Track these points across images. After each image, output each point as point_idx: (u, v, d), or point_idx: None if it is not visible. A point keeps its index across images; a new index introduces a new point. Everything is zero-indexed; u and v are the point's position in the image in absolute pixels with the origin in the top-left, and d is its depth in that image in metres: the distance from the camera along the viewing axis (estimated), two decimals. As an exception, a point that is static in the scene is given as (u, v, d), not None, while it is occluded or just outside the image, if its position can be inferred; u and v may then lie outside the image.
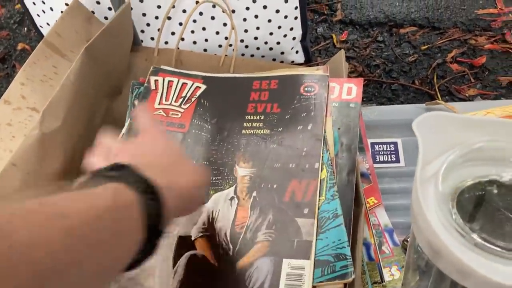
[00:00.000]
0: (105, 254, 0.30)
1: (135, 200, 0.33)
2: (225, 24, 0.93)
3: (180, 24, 0.89)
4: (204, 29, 0.92)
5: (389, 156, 0.69)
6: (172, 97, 0.67)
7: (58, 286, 0.26)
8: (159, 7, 0.87)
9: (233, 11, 0.91)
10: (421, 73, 1.15)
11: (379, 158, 0.69)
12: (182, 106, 0.66)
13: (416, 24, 1.29)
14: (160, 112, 0.65)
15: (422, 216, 0.33)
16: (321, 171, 0.56)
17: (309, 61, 1.17)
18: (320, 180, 0.55)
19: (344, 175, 0.57)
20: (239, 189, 0.58)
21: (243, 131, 0.62)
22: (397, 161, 0.69)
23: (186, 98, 0.67)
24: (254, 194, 0.57)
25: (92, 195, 0.31)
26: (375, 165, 0.68)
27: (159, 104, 0.66)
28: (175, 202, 0.38)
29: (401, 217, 0.62)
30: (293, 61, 1.12)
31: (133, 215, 0.32)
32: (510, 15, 1.31)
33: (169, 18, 0.87)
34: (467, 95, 1.06)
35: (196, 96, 0.67)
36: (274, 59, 1.10)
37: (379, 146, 0.71)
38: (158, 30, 0.84)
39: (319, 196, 0.54)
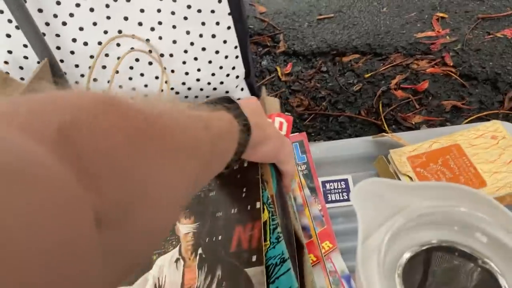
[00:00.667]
0: (219, 162, 0.41)
1: (238, 131, 0.42)
2: (164, 68, 0.90)
3: (117, 72, 0.86)
4: (142, 75, 0.89)
5: (340, 194, 0.67)
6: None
7: (206, 176, 0.39)
8: (91, 57, 0.83)
9: (171, 55, 0.88)
10: (366, 102, 1.16)
11: (330, 197, 0.67)
12: None
13: (358, 51, 1.31)
14: None
15: None
16: (263, 212, 0.53)
17: (255, 97, 1.16)
18: (263, 222, 0.52)
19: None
20: (183, 248, 0.54)
21: None
22: (349, 199, 0.66)
23: None
24: (200, 251, 0.53)
25: (218, 118, 0.40)
26: (327, 205, 0.66)
27: None
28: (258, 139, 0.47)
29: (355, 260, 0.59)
30: (239, 99, 1.10)
31: (235, 140, 0.42)
32: (447, 37, 1.34)
33: (103, 67, 0.83)
34: (413, 122, 1.07)
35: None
36: (219, 99, 1.08)
37: (330, 184, 0.69)
38: (94, 80, 0.80)
39: (264, 241, 0.51)
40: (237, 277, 0.49)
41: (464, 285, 0.33)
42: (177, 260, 0.53)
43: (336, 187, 0.68)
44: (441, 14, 1.38)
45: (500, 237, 0.33)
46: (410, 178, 0.60)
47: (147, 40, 0.84)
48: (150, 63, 0.88)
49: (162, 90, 0.95)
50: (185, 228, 0.55)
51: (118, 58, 0.84)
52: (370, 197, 0.36)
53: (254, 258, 0.50)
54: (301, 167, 0.68)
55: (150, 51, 0.85)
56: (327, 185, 0.69)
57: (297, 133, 0.72)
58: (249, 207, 0.54)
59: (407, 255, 0.34)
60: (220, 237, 0.53)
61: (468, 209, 0.35)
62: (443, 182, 0.36)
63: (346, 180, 0.69)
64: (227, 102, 0.46)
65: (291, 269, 0.48)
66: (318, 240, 0.60)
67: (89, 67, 0.83)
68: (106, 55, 0.81)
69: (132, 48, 0.83)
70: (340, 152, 0.73)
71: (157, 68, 0.90)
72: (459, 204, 0.35)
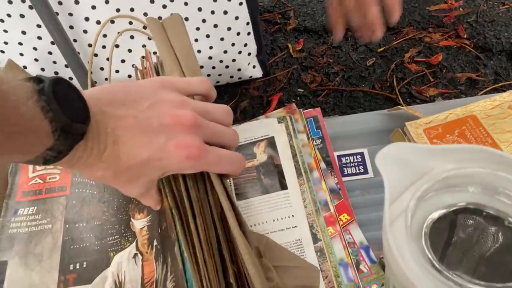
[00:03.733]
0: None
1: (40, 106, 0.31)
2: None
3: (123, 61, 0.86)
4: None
5: (356, 167, 0.67)
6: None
7: None
8: (105, 35, 0.83)
9: (184, 33, 0.88)
10: (380, 76, 1.15)
11: (347, 170, 0.67)
12: (59, 167, 0.61)
13: (370, 26, 1.29)
14: (36, 181, 0.61)
15: (395, 261, 0.31)
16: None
17: (267, 75, 1.15)
18: None
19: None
20: (140, 243, 0.55)
21: None
22: (365, 172, 0.67)
23: None
24: (155, 243, 0.54)
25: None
26: (344, 179, 0.66)
27: (33, 172, 0.61)
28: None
29: (374, 231, 0.59)
30: (251, 76, 1.10)
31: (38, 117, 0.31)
32: (460, 9, 1.32)
33: (117, 46, 0.83)
34: (428, 95, 1.06)
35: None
36: (231, 76, 1.07)
37: (346, 158, 0.69)
38: (107, 59, 0.80)
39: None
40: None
41: (490, 245, 0.34)
42: (135, 255, 0.54)
43: (352, 160, 0.68)
44: (454, -14, 1.36)
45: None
46: (427, 149, 0.60)
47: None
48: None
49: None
50: (140, 223, 0.56)
51: (132, 37, 0.84)
52: (395, 161, 0.36)
53: None
54: (316, 141, 0.68)
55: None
56: (343, 159, 0.68)
57: (311, 108, 0.72)
58: None
59: (433, 217, 0.34)
60: (164, 225, 0.53)
61: (493, 170, 0.35)
62: (468, 145, 0.36)
63: (362, 154, 0.68)
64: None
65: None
66: (335, 212, 0.60)
67: (103, 47, 0.83)
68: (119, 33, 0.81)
69: (144, 27, 0.83)
70: (355, 126, 0.73)
71: (169, 46, 0.89)
72: (484, 165, 0.35)
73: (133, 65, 0.52)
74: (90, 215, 0.58)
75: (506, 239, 0.33)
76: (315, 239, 0.57)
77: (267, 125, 0.69)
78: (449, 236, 0.34)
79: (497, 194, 0.35)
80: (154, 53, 0.55)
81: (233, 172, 0.44)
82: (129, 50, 0.87)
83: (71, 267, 0.55)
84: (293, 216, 0.59)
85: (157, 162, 0.37)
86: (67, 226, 0.58)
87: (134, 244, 0.55)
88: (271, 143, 0.66)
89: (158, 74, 0.51)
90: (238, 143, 0.46)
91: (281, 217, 0.59)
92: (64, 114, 0.32)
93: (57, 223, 0.58)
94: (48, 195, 0.59)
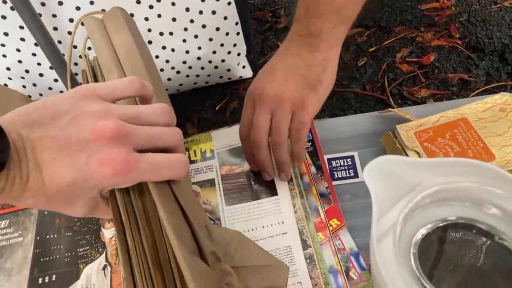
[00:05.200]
0: None
1: None
2: (164, 47, 0.89)
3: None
4: (142, 54, 0.88)
5: (347, 171, 0.66)
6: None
7: None
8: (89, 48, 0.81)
9: (171, 33, 0.87)
10: (371, 77, 1.14)
11: (337, 174, 0.66)
12: None
13: (362, 25, 1.28)
14: None
15: (382, 279, 0.30)
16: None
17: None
18: None
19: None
20: (109, 254, 0.54)
21: None
22: (356, 176, 0.66)
23: None
24: None
25: None
26: (334, 183, 0.65)
27: None
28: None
29: (364, 237, 0.58)
30: (241, 77, 1.08)
31: None
32: (452, 8, 1.32)
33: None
34: (419, 97, 1.06)
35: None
36: (221, 77, 1.06)
37: (336, 161, 0.67)
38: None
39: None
40: None
41: (481, 261, 0.33)
42: (104, 267, 0.53)
43: (342, 164, 0.67)
44: (446, -15, 1.35)
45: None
46: (418, 153, 0.59)
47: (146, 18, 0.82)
48: (150, 42, 0.86)
49: (162, 70, 0.94)
50: (109, 232, 0.55)
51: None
52: (383, 175, 0.35)
53: None
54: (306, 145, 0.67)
55: (150, 30, 0.84)
56: (333, 163, 0.67)
57: (302, 110, 0.71)
58: None
59: (422, 232, 0.33)
60: None
61: (483, 184, 0.34)
62: (457, 158, 0.35)
63: (352, 157, 0.67)
64: None
65: None
66: (325, 218, 0.59)
67: (89, 48, 0.82)
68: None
69: (131, 27, 0.81)
70: (345, 129, 0.72)
71: (157, 47, 0.88)
72: (474, 179, 0.34)
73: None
74: (62, 225, 0.57)
75: (496, 255, 0.32)
76: (304, 245, 0.56)
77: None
78: (438, 253, 0.33)
79: (486, 208, 0.34)
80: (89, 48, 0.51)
81: (175, 176, 0.39)
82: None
83: (40, 280, 0.54)
84: (282, 222, 0.58)
85: (84, 182, 0.34)
86: (37, 238, 0.57)
87: (103, 255, 0.54)
88: (260, 146, 0.65)
89: (95, 76, 0.48)
90: (182, 141, 0.41)
91: (270, 223, 0.58)
92: None
93: (28, 235, 0.57)
94: (20, 207, 0.58)
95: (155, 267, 0.37)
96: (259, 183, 0.62)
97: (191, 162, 0.65)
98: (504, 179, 0.33)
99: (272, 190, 0.61)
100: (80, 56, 0.85)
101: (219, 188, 0.62)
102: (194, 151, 0.66)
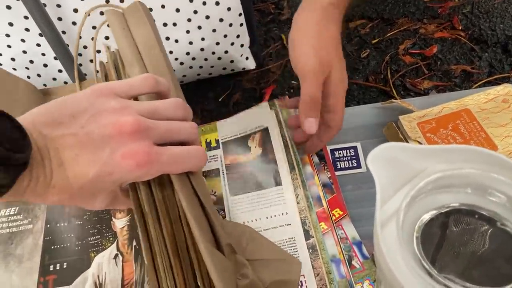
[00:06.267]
0: None
1: None
2: (167, 38, 0.89)
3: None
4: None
5: (349, 162, 0.67)
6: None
7: None
8: (94, 27, 0.81)
9: (175, 24, 0.87)
10: (374, 69, 1.14)
11: (340, 165, 0.67)
12: None
13: (365, 17, 1.28)
14: None
15: (386, 264, 0.31)
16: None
17: (260, 66, 1.14)
18: None
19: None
20: (120, 243, 0.54)
21: None
22: (359, 166, 0.66)
23: None
24: (134, 243, 0.53)
25: None
26: (337, 173, 0.65)
27: None
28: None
29: (367, 226, 0.59)
30: (244, 68, 1.09)
31: None
32: (456, 0, 1.31)
33: (106, 38, 0.82)
34: (422, 88, 1.06)
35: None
36: (224, 68, 1.06)
37: (339, 152, 0.68)
38: (98, 51, 0.79)
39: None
40: None
41: (483, 247, 0.33)
42: (115, 256, 0.54)
43: (345, 154, 0.67)
44: (450, -24, 1.35)
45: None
46: (420, 143, 0.60)
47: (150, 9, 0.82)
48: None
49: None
50: (121, 222, 0.56)
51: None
52: (386, 161, 0.35)
53: None
54: (309, 136, 0.68)
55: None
56: (336, 153, 0.68)
57: (305, 101, 0.71)
58: None
59: (425, 218, 0.34)
60: None
61: (486, 171, 0.34)
62: (460, 145, 0.35)
63: (355, 148, 0.68)
64: None
65: None
66: (328, 208, 0.59)
67: (92, 38, 0.82)
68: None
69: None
70: (348, 120, 0.72)
71: (161, 38, 0.88)
72: (477, 166, 0.34)
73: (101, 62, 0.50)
74: (72, 214, 0.58)
75: (499, 241, 0.33)
76: (307, 235, 0.56)
77: (260, 114, 0.68)
78: (441, 238, 0.34)
79: (489, 194, 0.35)
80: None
81: (194, 168, 0.41)
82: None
83: (51, 268, 0.55)
84: (286, 213, 0.58)
85: (108, 176, 0.35)
86: (48, 225, 0.57)
87: (114, 244, 0.54)
88: (265, 135, 0.66)
89: (117, 70, 0.48)
90: (198, 134, 0.43)
91: (274, 214, 0.59)
92: (1, 147, 0.29)
93: (38, 222, 0.57)
94: None
95: (174, 256, 0.38)
96: (264, 172, 0.62)
97: (196, 152, 0.65)
98: (507, 166, 0.33)
99: (276, 180, 0.62)
100: (85, 47, 0.85)
101: (224, 178, 0.63)
102: (199, 141, 0.67)
